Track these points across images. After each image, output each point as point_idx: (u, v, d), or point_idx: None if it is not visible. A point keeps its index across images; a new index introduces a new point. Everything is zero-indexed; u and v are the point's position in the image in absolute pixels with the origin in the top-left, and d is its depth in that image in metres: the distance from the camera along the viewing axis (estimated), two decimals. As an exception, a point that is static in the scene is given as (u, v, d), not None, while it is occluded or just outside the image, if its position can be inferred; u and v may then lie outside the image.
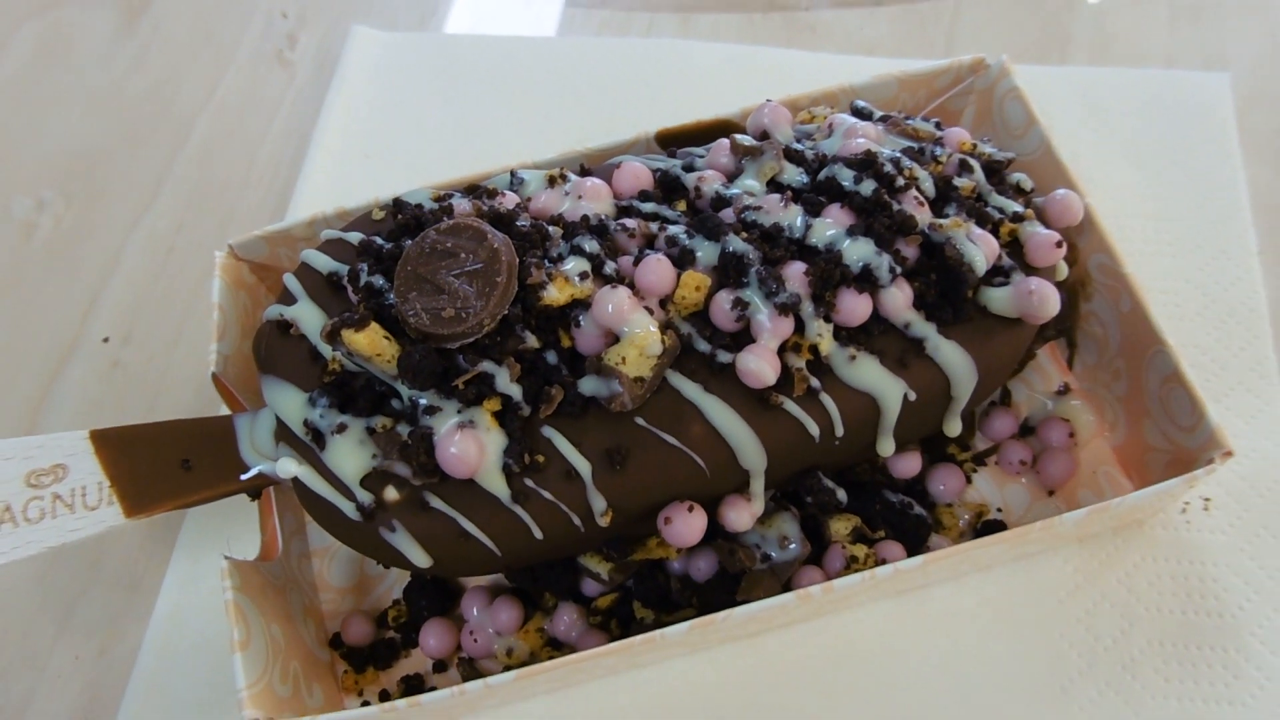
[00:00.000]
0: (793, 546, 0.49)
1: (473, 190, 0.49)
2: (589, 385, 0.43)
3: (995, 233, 0.48)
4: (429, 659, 0.53)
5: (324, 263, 0.48)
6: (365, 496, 0.43)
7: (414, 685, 0.52)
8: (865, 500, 0.52)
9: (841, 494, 0.50)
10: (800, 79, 0.71)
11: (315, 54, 0.77)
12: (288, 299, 0.47)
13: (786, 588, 0.50)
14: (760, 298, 0.43)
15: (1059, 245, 0.47)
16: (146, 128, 0.74)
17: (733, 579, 0.51)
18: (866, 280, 0.44)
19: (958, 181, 0.48)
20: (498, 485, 0.43)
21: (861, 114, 0.53)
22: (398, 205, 0.48)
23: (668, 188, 0.49)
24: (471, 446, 0.42)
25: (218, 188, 0.71)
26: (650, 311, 0.43)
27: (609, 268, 0.44)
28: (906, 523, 0.52)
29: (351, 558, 0.57)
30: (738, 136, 0.49)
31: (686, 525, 0.45)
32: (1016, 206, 0.49)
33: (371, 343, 0.42)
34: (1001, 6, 0.77)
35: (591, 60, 0.73)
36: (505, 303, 0.42)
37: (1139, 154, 0.68)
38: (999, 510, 0.56)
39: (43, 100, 0.76)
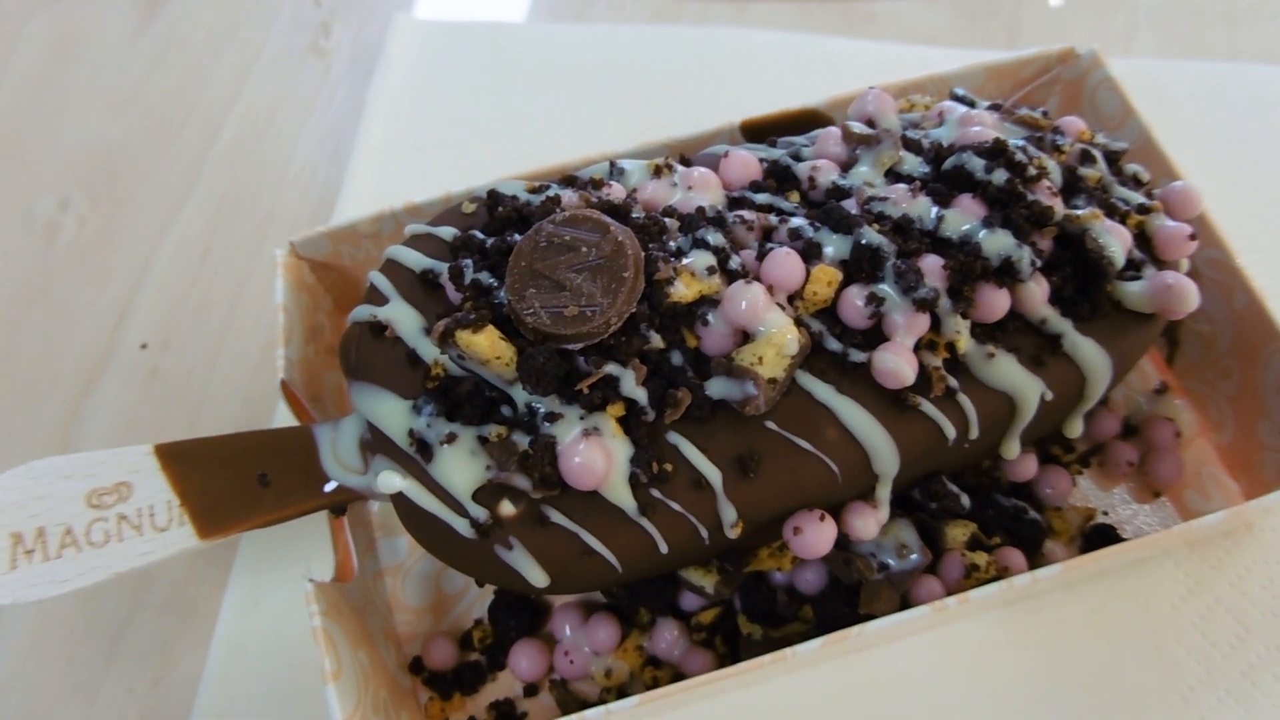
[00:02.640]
0: (913, 556, 0.47)
1: (569, 181, 0.46)
2: (718, 387, 0.40)
3: (1122, 224, 0.45)
4: (519, 682, 0.50)
5: (416, 259, 0.44)
6: (480, 512, 0.39)
7: (505, 711, 0.49)
8: (977, 505, 0.50)
9: (965, 499, 0.47)
10: (864, 69, 0.69)
11: (351, 45, 0.73)
12: (378, 299, 0.44)
13: (904, 599, 0.47)
14: (897, 293, 0.41)
15: (1192, 238, 0.45)
16: (173, 126, 0.70)
17: (845, 590, 0.48)
18: (1006, 274, 0.42)
19: (1083, 171, 0.46)
20: (623, 497, 0.39)
21: (964, 102, 0.51)
22: (493, 197, 0.45)
23: (779, 178, 0.46)
24: (598, 456, 0.38)
25: (254, 188, 0.67)
26: (781, 307, 0.40)
27: (734, 262, 0.41)
28: (1022, 528, 0.50)
29: (426, 575, 0.53)
30: (851, 124, 0.47)
31: (818, 535, 0.42)
32: (1140, 198, 0.47)
33: (492, 345, 0.38)
34: (1059, -1, 0.75)
35: (647, 49, 0.70)
36: (633, 300, 0.39)
37: (1211, 148, 0.67)
38: (1105, 514, 0.54)
39: (58, 98, 0.72)
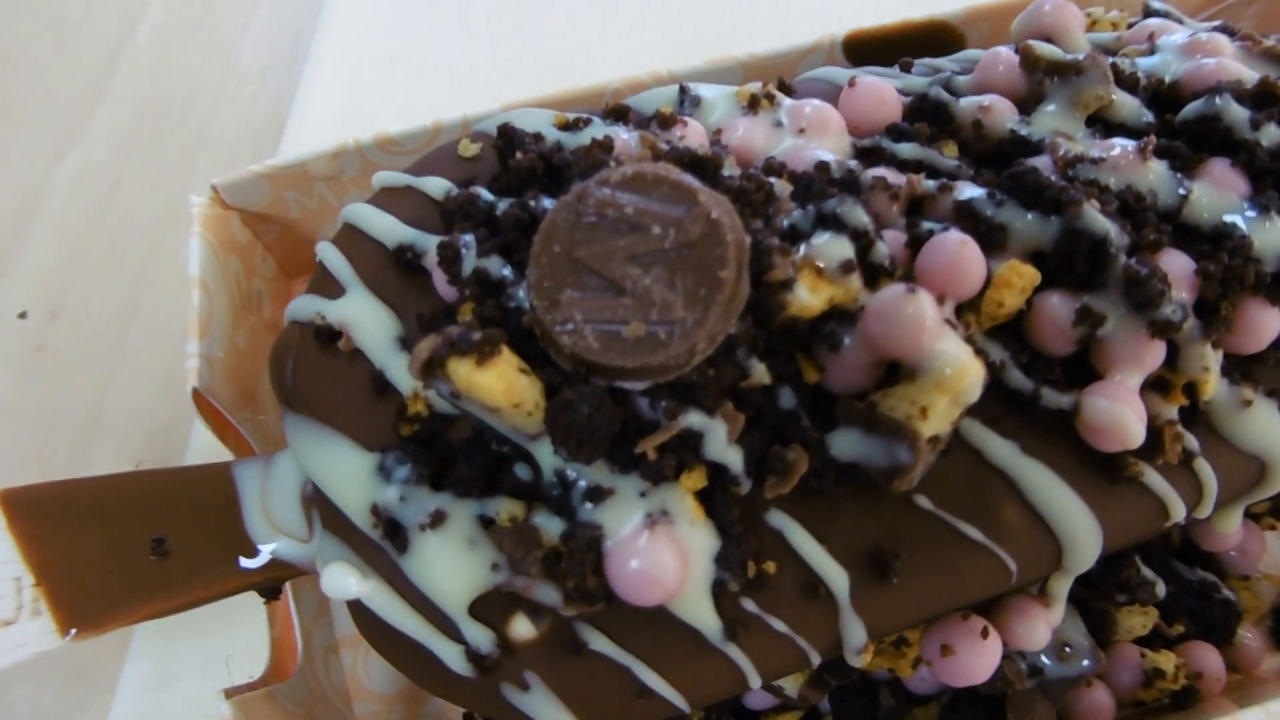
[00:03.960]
0: (1084, 663, 0.34)
1: (619, 114, 0.31)
2: (848, 444, 0.26)
3: None
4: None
5: (388, 228, 0.30)
6: (480, 635, 0.26)
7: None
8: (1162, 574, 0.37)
9: (1160, 587, 0.34)
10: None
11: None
12: (329, 287, 0.29)
13: (1061, 715, 0.34)
14: (1125, 307, 0.27)
15: None
16: (73, 14, 0.54)
17: (981, 698, 0.35)
18: (1282, 283, 0.28)
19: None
20: (702, 614, 0.26)
21: (1169, 20, 0.36)
22: (507, 135, 0.30)
23: (930, 120, 0.32)
24: (668, 558, 0.25)
25: (181, 101, 0.51)
26: (952, 326, 0.26)
27: (880, 251, 0.27)
28: (1211, 611, 0.37)
29: (399, 646, 0.39)
30: (1035, 45, 0.32)
31: (977, 659, 0.29)
32: None
33: (508, 388, 0.24)
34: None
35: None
36: (733, 314, 0.25)
37: None
38: (1301, 578, 0.41)
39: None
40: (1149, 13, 0.37)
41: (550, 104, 0.37)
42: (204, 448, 0.36)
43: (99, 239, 0.48)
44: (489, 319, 0.26)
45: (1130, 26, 0.36)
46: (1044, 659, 0.34)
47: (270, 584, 0.31)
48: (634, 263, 0.25)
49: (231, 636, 0.36)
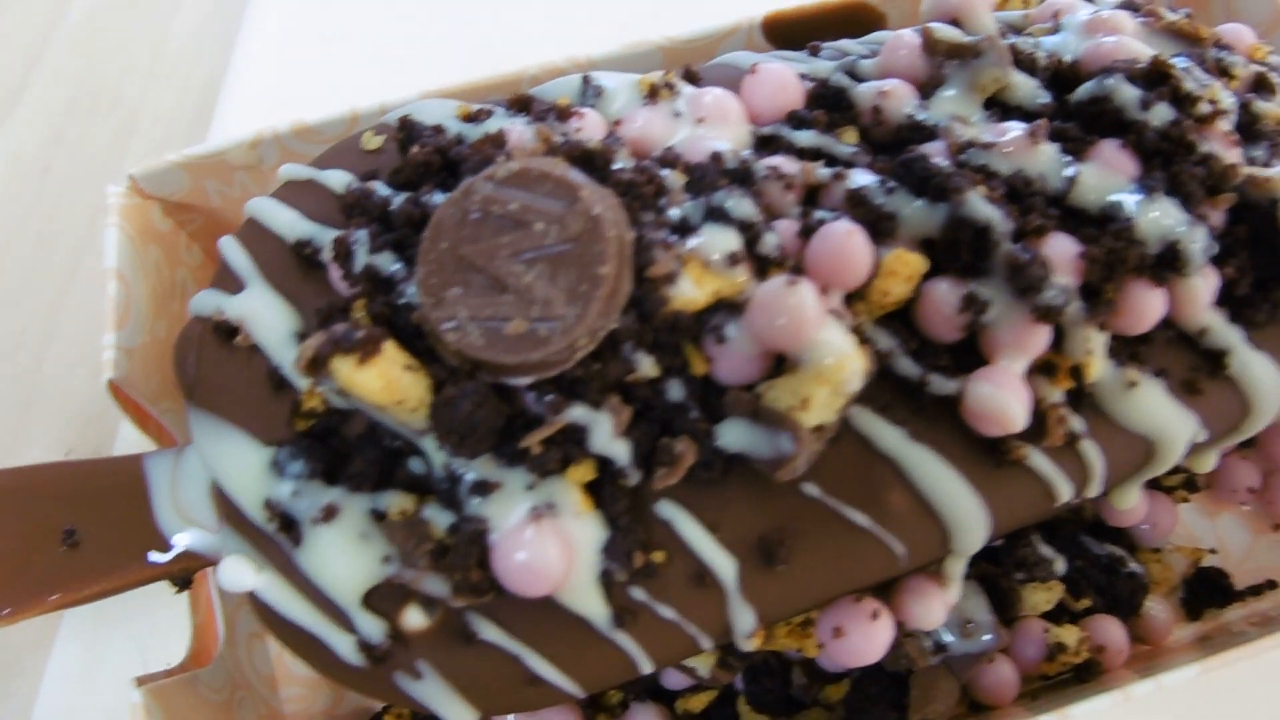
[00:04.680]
0: (985, 637, 0.34)
1: (523, 105, 0.31)
2: (735, 435, 0.27)
3: (1310, 185, 0.32)
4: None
5: (288, 223, 0.30)
6: (372, 626, 0.26)
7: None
8: (1060, 552, 0.37)
9: (1060, 564, 0.35)
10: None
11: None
12: (230, 282, 0.30)
13: (965, 689, 0.35)
14: (1009, 293, 0.27)
15: None
16: (6, -9, 0.53)
17: (887, 674, 0.36)
18: (1169, 265, 0.28)
19: (1260, 106, 0.32)
20: (591, 604, 0.26)
21: (1082, -4, 0.36)
22: (406, 129, 0.30)
23: (830, 106, 0.32)
24: (553, 550, 0.25)
25: (113, 80, 0.51)
26: (838, 315, 0.27)
27: (768, 242, 0.27)
28: (1118, 585, 0.38)
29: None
30: (936, 27, 0.32)
31: (868, 640, 0.30)
32: (1333, 144, 0.33)
33: (388, 385, 0.24)
34: None
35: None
36: (613, 310, 0.25)
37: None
38: (1212, 551, 0.42)
39: None
40: (1063, -9, 0.37)
41: (467, 91, 0.37)
42: (133, 437, 0.36)
43: (28, 226, 0.48)
44: (379, 316, 0.27)
45: (1029, 3, 0.36)
46: (947, 635, 0.35)
47: (182, 574, 0.31)
48: (517, 259, 0.25)
49: (158, 621, 0.37)
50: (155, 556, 0.30)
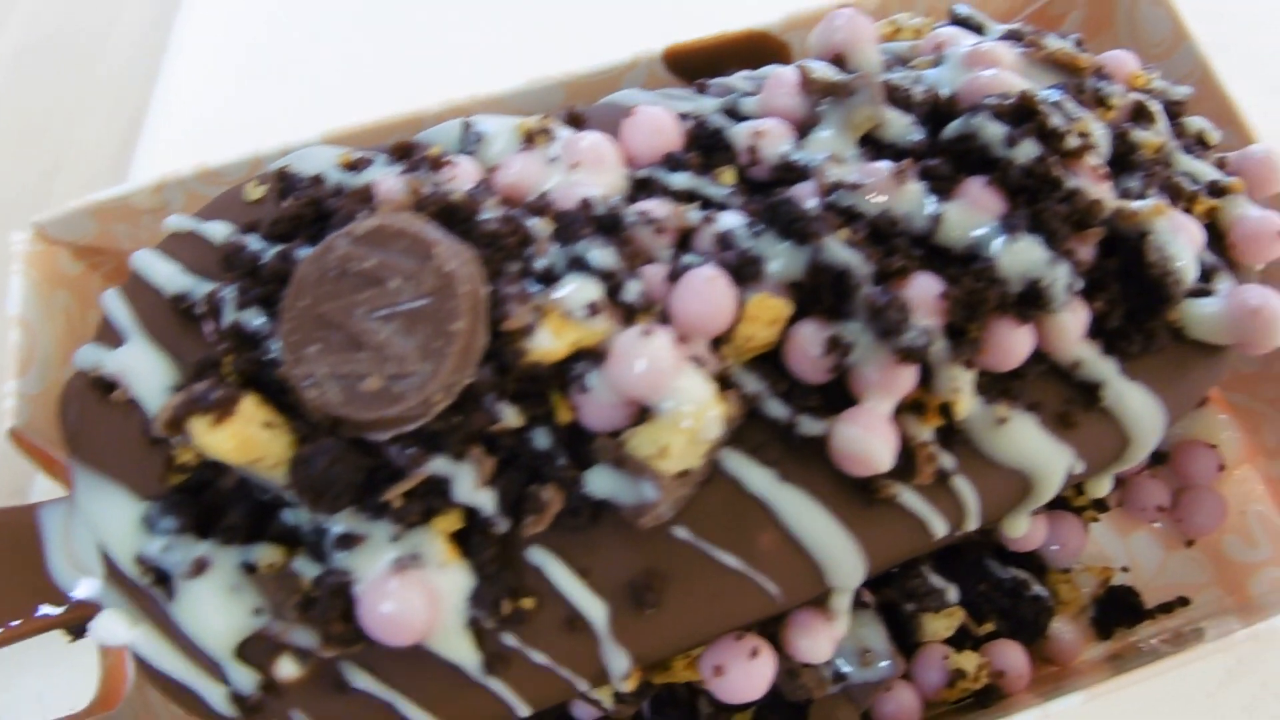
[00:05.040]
0: (882, 664, 0.35)
1: (404, 153, 0.32)
2: (602, 482, 0.27)
3: (1189, 213, 0.32)
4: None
5: (167, 275, 0.30)
6: (244, 677, 0.27)
7: None
8: (964, 577, 0.38)
9: (953, 593, 0.35)
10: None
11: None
12: (111, 336, 0.30)
13: (865, 717, 0.36)
14: (871, 336, 0.27)
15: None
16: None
17: (789, 704, 0.36)
18: (1032, 303, 0.28)
19: (1137, 136, 0.32)
20: (462, 651, 0.27)
21: (969, 25, 0.37)
22: (283, 180, 0.31)
23: (706, 147, 0.32)
24: (416, 601, 0.26)
25: (39, 117, 0.51)
26: (700, 362, 0.27)
27: (631, 291, 0.27)
28: (1021, 608, 0.38)
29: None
30: (810, 65, 0.32)
31: (747, 677, 0.30)
32: (1214, 172, 0.33)
33: (242, 443, 0.25)
34: None
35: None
36: (468, 364, 0.25)
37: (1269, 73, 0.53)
38: (1124, 569, 0.42)
39: None
40: (956, 19, 0.37)
41: (369, 132, 0.38)
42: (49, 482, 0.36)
43: (-44, 265, 0.49)
44: (243, 373, 0.27)
45: (920, 34, 0.36)
46: (845, 665, 0.35)
47: (76, 624, 0.32)
48: (373, 316, 0.26)
49: (58, 671, 0.37)
50: (46, 608, 0.30)
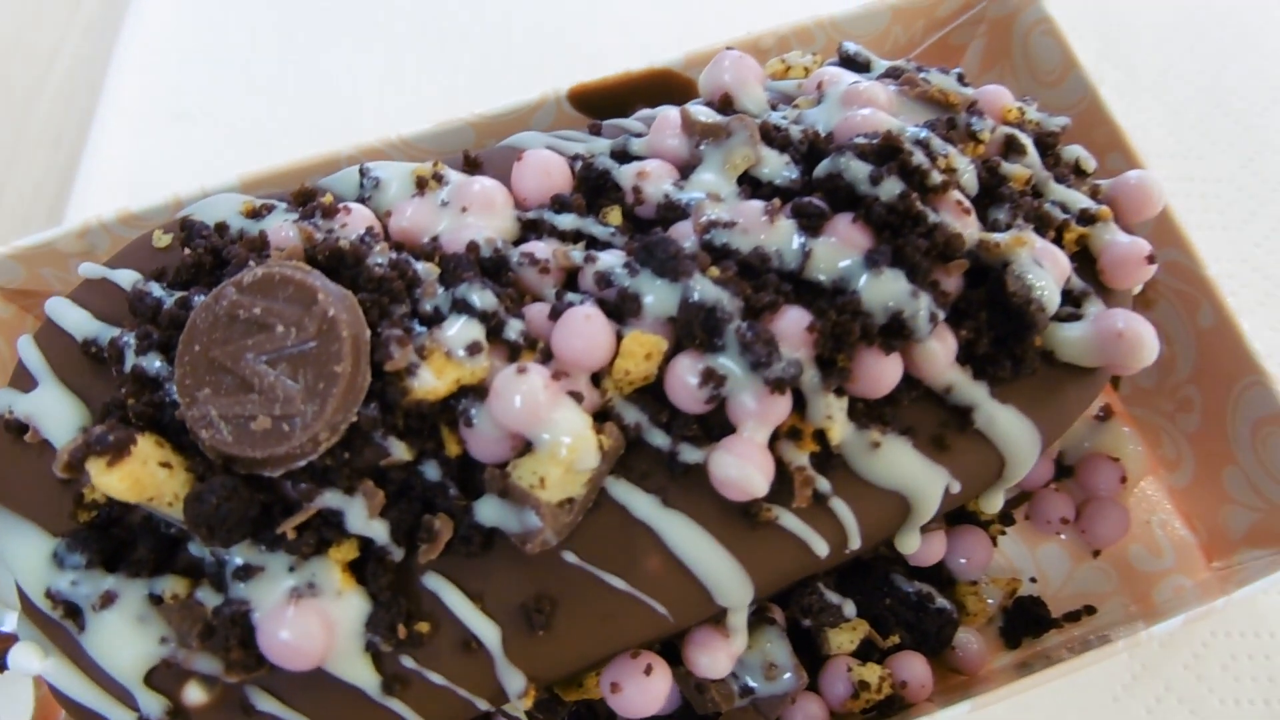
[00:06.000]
0: (786, 677, 0.36)
1: (303, 200, 0.33)
2: (490, 511, 0.29)
3: (1059, 240, 0.34)
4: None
5: (77, 322, 0.31)
6: (153, 703, 0.28)
7: None
8: (870, 592, 0.39)
9: (849, 608, 0.37)
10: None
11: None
12: (24, 380, 0.31)
13: (776, 728, 0.37)
14: (743, 368, 0.29)
15: (1150, 260, 0.33)
16: None
17: (699, 717, 0.37)
18: (897, 333, 0.30)
19: (1007, 169, 0.34)
20: (361, 674, 0.28)
21: (855, 63, 0.38)
22: (186, 228, 0.32)
23: (593, 189, 0.34)
24: (312, 626, 0.27)
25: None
26: (579, 397, 0.28)
27: (512, 330, 0.29)
28: (926, 621, 0.39)
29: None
30: (692, 108, 0.34)
31: (643, 693, 0.31)
32: (1084, 200, 0.35)
33: (138, 482, 0.26)
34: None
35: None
36: (352, 404, 0.27)
37: (1173, 95, 0.55)
38: (1033, 580, 0.44)
39: None
40: (843, 58, 0.39)
41: (268, 182, 0.39)
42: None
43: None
44: (141, 414, 0.28)
45: (809, 72, 0.38)
46: (751, 680, 0.36)
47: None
48: (261, 360, 0.27)
49: (4, 697, 0.38)
50: (-33, 641, 0.31)
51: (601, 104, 0.41)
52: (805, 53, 0.40)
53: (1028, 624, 0.42)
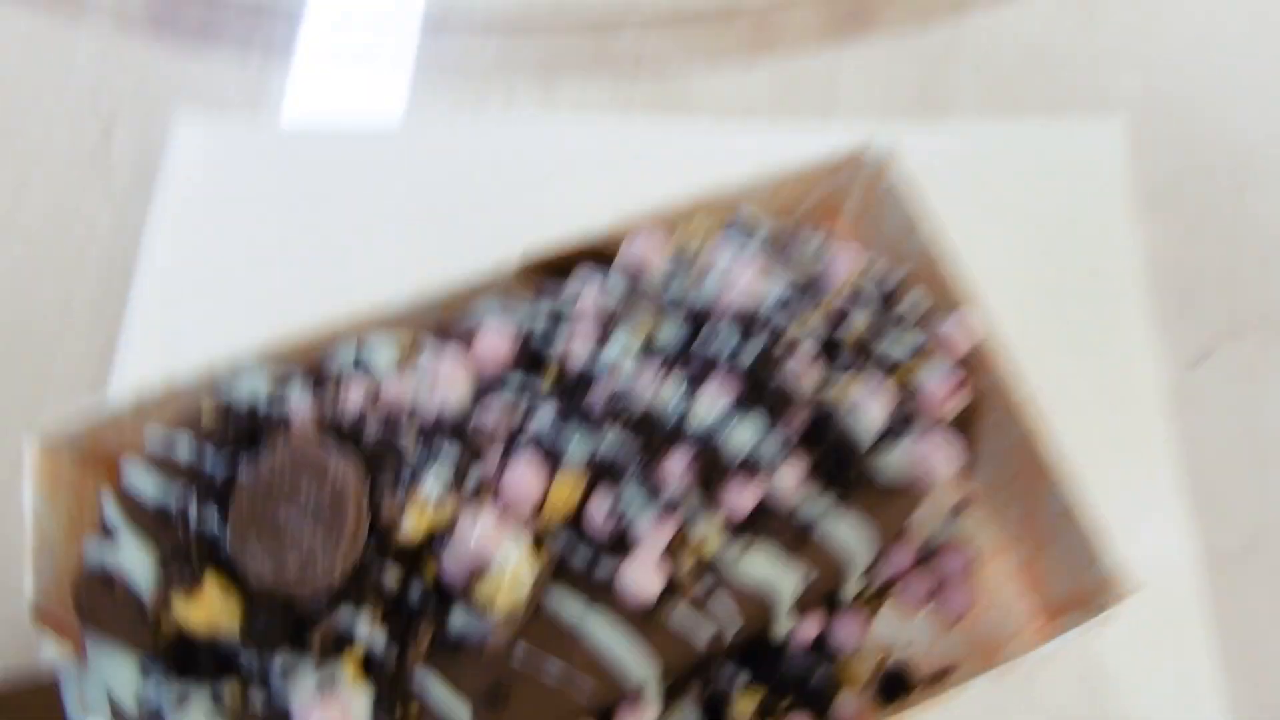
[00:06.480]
0: (695, 741, 0.46)
1: (314, 372, 0.44)
2: (460, 620, 0.39)
3: (892, 375, 0.45)
4: None
5: (150, 489, 0.42)
6: (219, 782, 0.38)
7: None
8: (769, 663, 0.49)
9: (743, 676, 0.47)
10: (678, 150, 0.66)
11: (136, 151, 0.68)
12: (107, 532, 0.42)
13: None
14: (640, 501, 0.40)
15: (958, 387, 0.44)
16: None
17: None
18: (756, 466, 0.41)
19: (852, 319, 0.45)
20: (366, 752, 0.38)
21: (745, 229, 0.49)
22: (226, 411, 0.43)
23: (530, 358, 0.44)
24: (334, 713, 0.37)
25: (27, 335, 0.62)
26: (521, 527, 0.39)
27: (472, 479, 0.40)
28: (810, 686, 0.49)
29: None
30: (609, 282, 0.45)
31: (580, 757, 0.41)
32: (916, 340, 0.46)
33: (209, 616, 0.37)
34: (880, 59, 0.73)
35: (444, 149, 0.66)
36: (356, 549, 0.37)
37: (1026, 218, 0.65)
38: (909, 643, 0.53)
39: None
40: (731, 224, 0.50)
41: (290, 353, 0.48)
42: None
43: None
44: (204, 556, 0.39)
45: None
46: (668, 745, 0.46)
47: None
48: (291, 518, 0.37)
49: None
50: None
51: (547, 274, 0.52)
52: (708, 217, 0.50)
53: (897, 685, 0.52)
